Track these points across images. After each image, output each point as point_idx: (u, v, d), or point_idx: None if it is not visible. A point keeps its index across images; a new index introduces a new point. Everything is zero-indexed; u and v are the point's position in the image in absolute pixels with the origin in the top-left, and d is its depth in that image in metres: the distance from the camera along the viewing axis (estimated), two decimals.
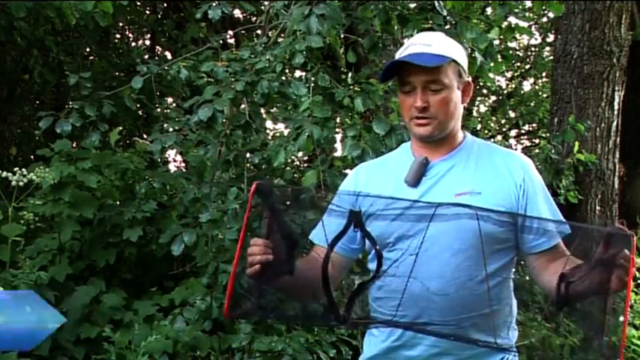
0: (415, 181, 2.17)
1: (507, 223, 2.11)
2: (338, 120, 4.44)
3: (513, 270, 2.23)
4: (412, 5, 4.58)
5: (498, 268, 2.13)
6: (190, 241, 4.17)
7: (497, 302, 2.14)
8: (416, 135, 2.20)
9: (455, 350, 2.11)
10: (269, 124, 6.49)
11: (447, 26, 4.28)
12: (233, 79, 4.15)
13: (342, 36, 5.52)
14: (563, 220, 2.18)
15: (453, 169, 2.18)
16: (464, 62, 2.23)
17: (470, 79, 2.26)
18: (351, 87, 4.23)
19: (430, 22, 4.22)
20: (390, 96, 4.58)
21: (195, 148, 4.46)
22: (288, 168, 4.72)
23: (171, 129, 4.54)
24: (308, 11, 3.96)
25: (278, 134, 5.01)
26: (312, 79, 4.16)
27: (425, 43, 2.16)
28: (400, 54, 2.19)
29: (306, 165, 4.91)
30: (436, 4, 4.25)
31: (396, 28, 4.48)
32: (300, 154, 4.55)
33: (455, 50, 2.19)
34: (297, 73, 4.54)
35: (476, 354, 2.13)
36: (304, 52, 3.99)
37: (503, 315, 2.18)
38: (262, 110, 4.81)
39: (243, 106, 4.38)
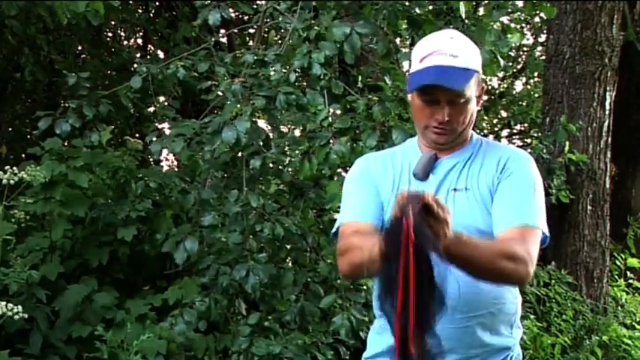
0: (424, 175, 2.16)
1: (488, 217, 2.11)
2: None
3: None
4: (417, 10, 4.56)
5: None
6: (193, 249, 4.16)
7: (502, 301, 2.15)
8: (430, 140, 2.19)
9: (459, 349, 2.11)
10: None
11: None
12: (250, 92, 4.13)
13: None
14: (533, 216, 2.09)
15: (456, 166, 2.18)
16: (480, 66, 2.20)
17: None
18: (370, 95, 4.23)
19: (451, 26, 4.20)
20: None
21: (195, 150, 4.43)
22: (285, 169, 4.72)
23: (167, 130, 4.53)
24: (350, 30, 3.95)
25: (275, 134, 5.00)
26: (326, 85, 4.14)
27: (451, 54, 2.09)
28: (422, 59, 2.13)
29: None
30: (461, 6, 4.24)
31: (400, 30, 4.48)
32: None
33: (476, 56, 2.16)
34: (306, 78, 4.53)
35: (480, 352, 2.14)
36: (322, 62, 3.98)
37: (509, 313, 2.18)
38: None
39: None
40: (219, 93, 4.54)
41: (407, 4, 4.35)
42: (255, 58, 4.28)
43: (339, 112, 4.33)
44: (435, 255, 1.72)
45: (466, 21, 4.32)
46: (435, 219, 1.71)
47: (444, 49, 2.11)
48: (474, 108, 2.17)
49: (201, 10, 4.49)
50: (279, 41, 4.58)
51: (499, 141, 10.28)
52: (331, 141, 3.99)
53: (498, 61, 4.12)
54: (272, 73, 4.20)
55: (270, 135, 4.69)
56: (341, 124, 4.04)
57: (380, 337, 2.24)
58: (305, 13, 4.33)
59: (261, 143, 4.29)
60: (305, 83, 4.31)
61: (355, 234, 2.10)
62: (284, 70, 4.20)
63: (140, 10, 8.50)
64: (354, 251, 2.03)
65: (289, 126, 5.90)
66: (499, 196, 2.12)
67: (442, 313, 1.71)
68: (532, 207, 2.11)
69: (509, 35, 4.49)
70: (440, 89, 2.07)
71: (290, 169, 4.64)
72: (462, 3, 4.30)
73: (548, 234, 2.12)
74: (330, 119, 4.08)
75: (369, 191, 2.23)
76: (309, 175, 4.22)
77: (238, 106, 4.10)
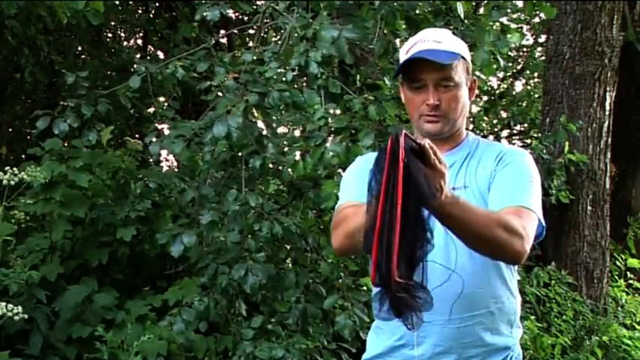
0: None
1: None
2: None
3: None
4: (417, 9, 4.56)
5: (498, 263, 2.13)
6: (190, 242, 4.15)
7: (501, 300, 2.15)
8: (425, 132, 2.19)
9: (458, 349, 2.11)
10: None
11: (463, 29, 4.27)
12: (244, 88, 4.12)
13: None
14: (528, 200, 2.07)
15: (454, 165, 2.18)
16: (469, 59, 2.24)
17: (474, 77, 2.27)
18: (365, 95, 4.23)
19: (451, 25, 4.20)
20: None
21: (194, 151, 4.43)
22: (284, 170, 4.72)
23: (167, 131, 4.52)
24: (338, 34, 3.96)
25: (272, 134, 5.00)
26: (323, 84, 4.14)
27: (435, 40, 2.15)
28: (408, 51, 2.17)
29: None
30: (459, 6, 4.24)
31: (397, 30, 4.48)
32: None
33: (462, 47, 2.21)
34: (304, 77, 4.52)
35: (479, 352, 2.14)
36: (319, 62, 3.98)
37: (508, 313, 2.18)
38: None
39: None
40: (219, 94, 4.54)
41: (403, 3, 4.35)
42: (254, 58, 4.28)
43: (337, 111, 4.32)
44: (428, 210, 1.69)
45: (465, 21, 4.32)
46: (433, 169, 1.68)
47: (428, 37, 2.18)
48: (465, 97, 2.19)
49: (199, 7, 4.48)
50: (279, 41, 4.56)
51: (499, 141, 10.29)
52: (326, 141, 3.99)
53: (498, 61, 4.11)
54: (268, 70, 4.19)
55: (266, 133, 4.68)
56: (337, 124, 4.04)
57: (378, 338, 2.25)
58: (302, 12, 4.32)
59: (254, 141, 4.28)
60: (305, 84, 4.31)
61: (350, 207, 2.09)
62: (281, 70, 4.19)
63: (140, 11, 8.51)
64: (349, 219, 2.03)
65: (290, 126, 5.89)
66: (495, 184, 2.12)
67: (427, 253, 1.68)
68: (528, 193, 2.10)
69: (508, 35, 4.48)
70: (426, 70, 2.10)
71: (289, 170, 4.64)
72: (460, 3, 4.29)
73: (544, 224, 2.11)
74: (329, 119, 4.07)
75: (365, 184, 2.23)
76: (302, 174, 4.21)
77: (230, 103, 4.09)
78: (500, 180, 2.12)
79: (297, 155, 4.47)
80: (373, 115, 4.04)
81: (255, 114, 4.57)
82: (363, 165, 2.29)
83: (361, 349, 2.39)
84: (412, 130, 2.29)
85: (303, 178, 4.50)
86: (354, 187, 2.21)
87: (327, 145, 3.97)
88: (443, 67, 2.10)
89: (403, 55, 2.20)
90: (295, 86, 4.24)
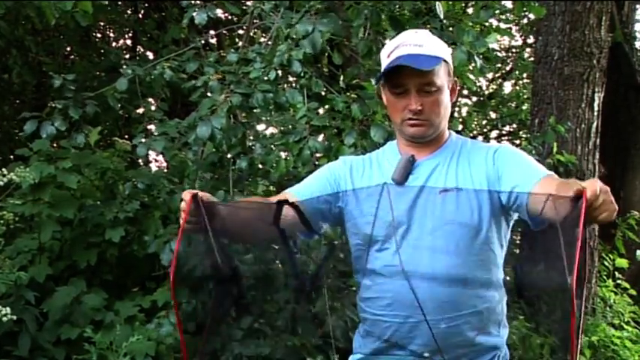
0: (402, 178, 2.17)
1: (476, 213, 2.11)
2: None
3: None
4: (400, 7, 4.56)
5: (485, 263, 2.14)
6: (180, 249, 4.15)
7: (489, 299, 2.15)
8: (408, 135, 2.20)
9: (449, 348, 2.11)
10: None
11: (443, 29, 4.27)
12: (228, 89, 4.12)
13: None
14: (544, 170, 2.09)
15: (438, 167, 2.18)
16: (450, 60, 2.24)
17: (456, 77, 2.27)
18: (348, 93, 4.23)
19: (428, 25, 4.21)
20: None
21: (180, 150, 4.42)
22: (272, 171, 4.71)
23: (155, 132, 4.51)
24: (312, 28, 3.95)
25: (261, 135, 4.99)
26: (306, 83, 4.14)
27: (416, 44, 2.15)
28: (389, 54, 2.18)
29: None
30: (437, 6, 4.25)
31: (385, 30, 4.48)
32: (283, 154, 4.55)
33: (444, 49, 2.21)
34: (290, 78, 4.51)
35: (468, 352, 2.14)
36: (301, 60, 3.98)
37: (496, 312, 2.18)
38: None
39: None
40: (209, 94, 4.54)
41: (386, 3, 4.35)
42: (240, 57, 4.28)
43: (321, 111, 4.32)
44: None
45: (444, 21, 4.33)
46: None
47: (409, 40, 2.17)
48: (447, 100, 2.19)
49: (188, 10, 4.48)
50: (269, 42, 4.56)
51: (488, 142, 10.31)
52: (307, 137, 3.98)
53: (475, 61, 4.11)
54: (252, 70, 4.19)
55: (250, 134, 4.68)
56: (318, 122, 4.04)
57: (365, 340, 2.25)
58: (286, 11, 4.32)
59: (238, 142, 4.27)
60: (293, 84, 4.31)
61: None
62: (265, 70, 4.18)
63: (129, 12, 8.49)
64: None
65: (280, 127, 5.89)
66: (509, 175, 2.10)
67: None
68: (540, 167, 2.12)
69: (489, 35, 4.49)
70: (408, 76, 2.11)
71: (272, 169, 4.63)
72: (439, 3, 4.30)
73: None
74: (314, 118, 4.06)
75: (324, 186, 2.25)
76: (285, 172, 4.21)
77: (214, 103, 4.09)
78: (511, 171, 2.11)
79: (283, 155, 4.46)
80: (356, 113, 4.05)
81: (244, 114, 4.56)
82: (338, 168, 2.30)
83: (348, 347, 2.40)
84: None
85: (290, 177, 4.50)
86: (307, 184, 2.28)
87: (308, 142, 3.96)
88: (425, 72, 2.10)
89: (384, 59, 2.20)
90: (278, 85, 4.24)
